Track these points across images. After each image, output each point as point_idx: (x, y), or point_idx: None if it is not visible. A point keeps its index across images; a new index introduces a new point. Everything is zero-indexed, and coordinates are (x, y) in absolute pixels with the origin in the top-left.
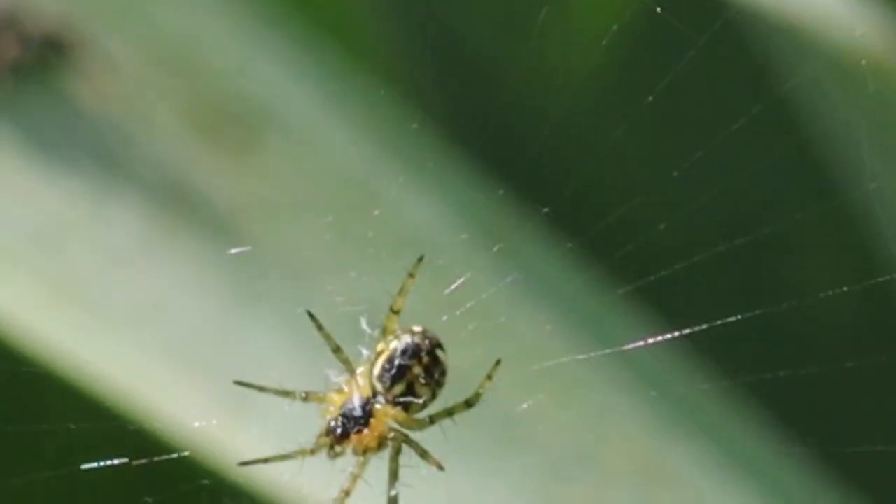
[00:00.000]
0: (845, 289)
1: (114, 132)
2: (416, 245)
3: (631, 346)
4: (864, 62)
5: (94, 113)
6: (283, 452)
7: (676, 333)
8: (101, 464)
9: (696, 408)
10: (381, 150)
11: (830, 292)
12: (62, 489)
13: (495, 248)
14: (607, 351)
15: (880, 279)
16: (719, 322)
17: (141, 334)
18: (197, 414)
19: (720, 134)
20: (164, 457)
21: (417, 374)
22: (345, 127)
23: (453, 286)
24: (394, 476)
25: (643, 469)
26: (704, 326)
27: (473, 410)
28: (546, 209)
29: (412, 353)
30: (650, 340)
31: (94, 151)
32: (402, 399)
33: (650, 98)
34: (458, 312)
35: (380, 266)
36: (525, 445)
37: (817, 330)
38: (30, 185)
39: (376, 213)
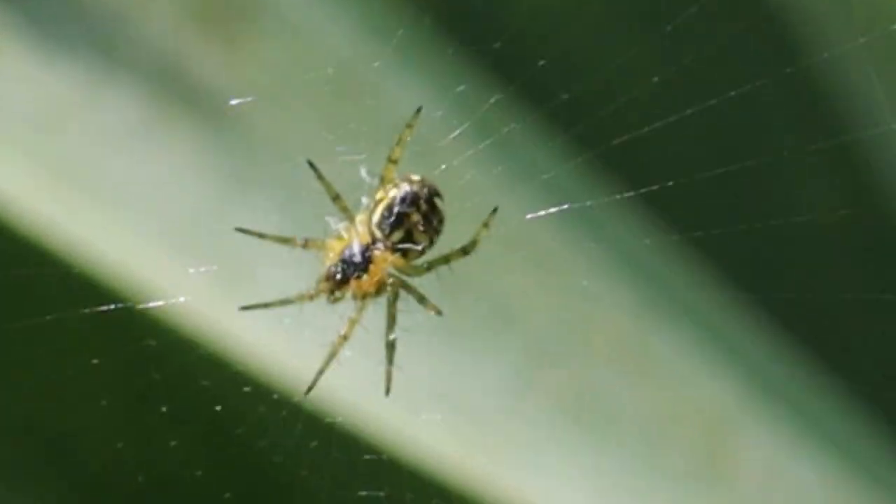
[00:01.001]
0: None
1: (110, 17)
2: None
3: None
4: None
5: None
6: (283, 297)
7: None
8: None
9: (672, 283)
10: (374, 38)
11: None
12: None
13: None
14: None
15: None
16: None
17: (136, 213)
18: (190, 288)
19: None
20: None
21: (416, 221)
22: (339, 14)
23: (445, 141)
24: (392, 321)
25: (627, 351)
26: (670, 183)
27: (461, 293)
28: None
29: (411, 200)
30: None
31: (91, 36)
32: (400, 245)
33: None
34: (455, 163)
35: (370, 154)
36: (508, 329)
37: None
38: (28, 69)
39: (368, 101)
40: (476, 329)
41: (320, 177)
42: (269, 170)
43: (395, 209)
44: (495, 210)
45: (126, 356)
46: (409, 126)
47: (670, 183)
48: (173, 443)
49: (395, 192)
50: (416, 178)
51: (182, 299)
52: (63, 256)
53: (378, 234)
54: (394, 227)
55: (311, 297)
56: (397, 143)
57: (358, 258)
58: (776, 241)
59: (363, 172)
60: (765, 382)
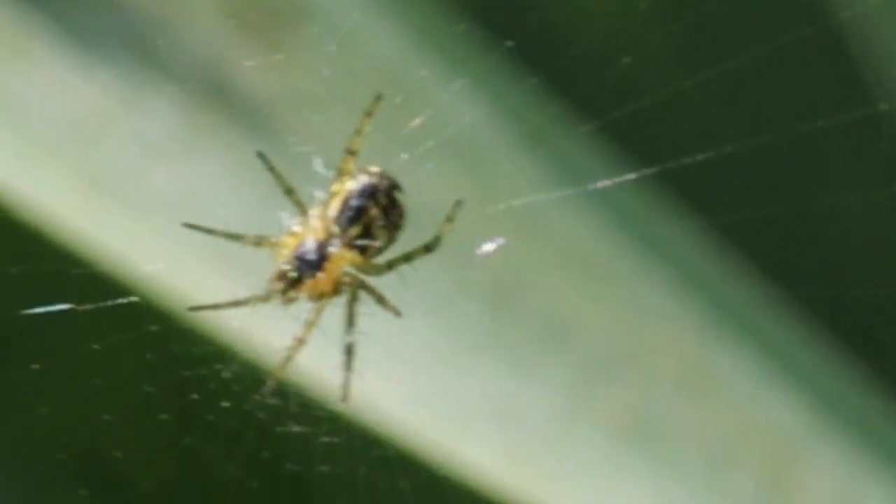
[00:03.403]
0: (842, 118)
1: (149, 24)
2: (461, 142)
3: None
4: None
5: (129, 4)
6: (235, 299)
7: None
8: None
9: (735, 301)
10: (420, 45)
11: (820, 123)
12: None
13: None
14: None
15: (867, 109)
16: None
17: (175, 223)
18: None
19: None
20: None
21: (374, 215)
22: (383, 19)
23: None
24: (350, 322)
25: (685, 367)
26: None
27: (515, 310)
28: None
29: (369, 193)
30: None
31: (129, 43)
32: (358, 242)
33: None
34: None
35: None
36: (566, 346)
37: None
38: (65, 77)
39: (415, 110)
40: (528, 344)
41: (271, 168)
42: (312, 178)
43: (352, 203)
44: (459, 203)
45: (150, 364)
46: (367, 114)
47: (699, 157)
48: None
49: (352, 185)
50: (374, 170)
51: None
52: (98, 266)
53: (335, 229)
54: (351, 221)
55: (265, 298)
56: (355, 133)
57: (313, 255)
58: (827, 234)
59: (317, 165)
60: (831, 402)
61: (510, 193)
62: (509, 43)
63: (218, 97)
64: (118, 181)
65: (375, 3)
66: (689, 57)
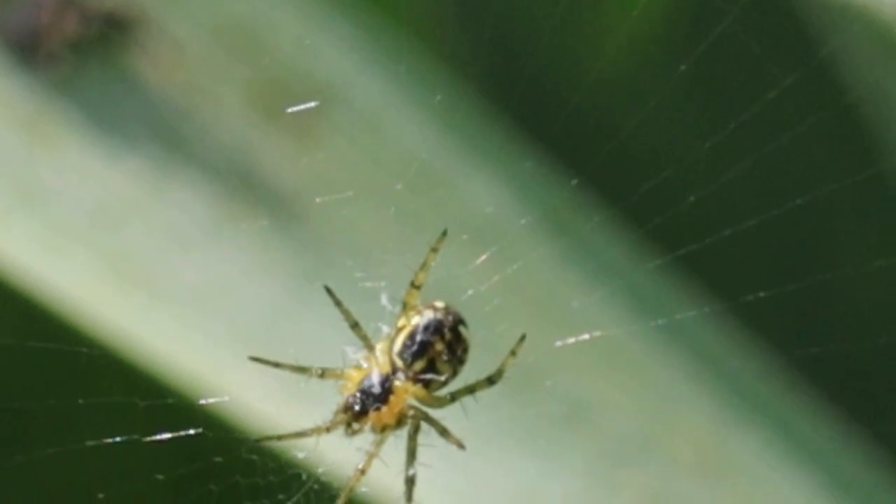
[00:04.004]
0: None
1: (176, 112)
2: (480, 230)
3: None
4: None
5: (156, 92)
6: (298, 430)
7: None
8: (114, 440)
9: (753, 388)
10: (444, 132)
11: (871, 265)
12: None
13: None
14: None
15: None
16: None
17: (198, 314)
18: (254, 395)
19: (756, 104)
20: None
21: (439, 350)
22: (407, 109)
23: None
24: (412, 455)
25: (707, 457)
26: (751, 297)
27: (538, 393)
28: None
29: (434, 328)
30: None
31: (155, 131)
32: (422, 376)
33: (683, 68)
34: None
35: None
36: (587, 431)
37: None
38: (91, 164)
39: (440, 195)
40: (550, 431)
41: (338, 303)
42: (340, 269)
43: (418, 337)
44: (523, 337)
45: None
46: (433, 250)
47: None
48: None
49: (418, 320)
50: (439, 304)
51: (229, 399)
52: (123, 356)
53: (399, 363)
54: (416, 356)
55: (329, 430)
56: (420, 268)
57: (377, 389)
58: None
59: (384, 300)
60: (846, 484)
61: (576, 328)
62: (574, 182)
63: (245, 186)
64: (143, 270)
65: (399, 90)
66: (758, 194)
